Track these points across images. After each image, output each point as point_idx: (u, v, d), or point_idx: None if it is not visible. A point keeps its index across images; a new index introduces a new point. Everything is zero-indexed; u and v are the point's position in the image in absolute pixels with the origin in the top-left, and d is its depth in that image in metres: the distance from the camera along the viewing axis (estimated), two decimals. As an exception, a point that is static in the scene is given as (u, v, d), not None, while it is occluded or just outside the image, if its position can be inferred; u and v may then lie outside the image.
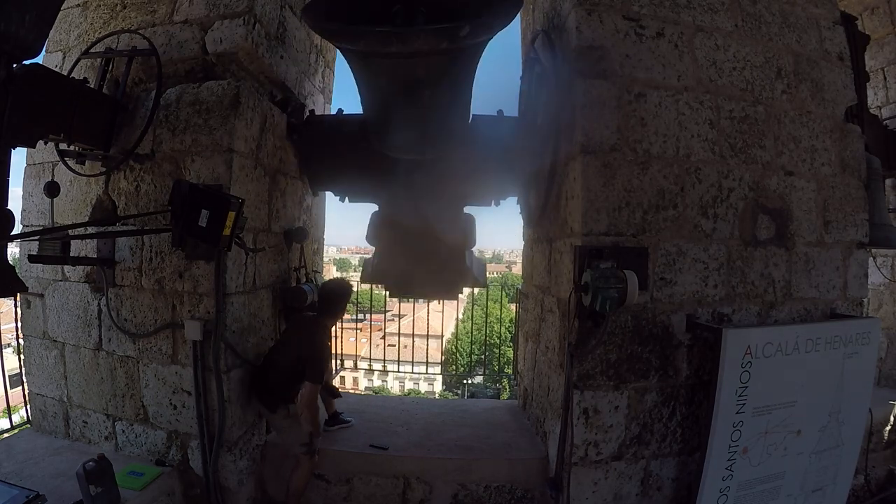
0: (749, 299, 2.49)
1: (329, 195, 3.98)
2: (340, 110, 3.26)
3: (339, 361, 4.81)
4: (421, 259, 3.22)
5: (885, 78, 4.06)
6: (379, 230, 3.24)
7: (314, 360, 2.63)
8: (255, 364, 2.79)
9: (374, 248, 3.42)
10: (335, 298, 2.87)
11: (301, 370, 2.62)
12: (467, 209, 3.32)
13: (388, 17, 2.05)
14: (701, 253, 2.42)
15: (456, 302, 5.19)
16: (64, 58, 2.89)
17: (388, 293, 3.96)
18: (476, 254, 3.63)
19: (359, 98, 2.75)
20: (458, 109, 2.78)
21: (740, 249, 2.47)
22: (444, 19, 1.92)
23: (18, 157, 2.75)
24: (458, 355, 24.07)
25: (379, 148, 2.96)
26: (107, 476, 2.14)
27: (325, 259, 4.75)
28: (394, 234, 3.20)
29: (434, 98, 2.41)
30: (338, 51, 4.07)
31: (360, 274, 3.98)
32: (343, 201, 3.41)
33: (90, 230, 2.58)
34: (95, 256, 2.63)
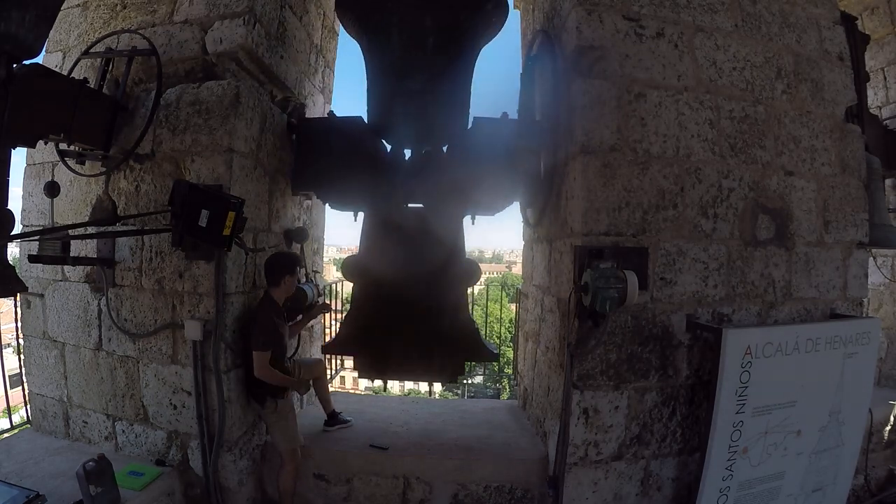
0: (749, 299, 2.49)
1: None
2: (332, 112, 3.19)
3: (339, 361, 4.80)
4: (410, 304, 2.78)
5: (885, 78, 4.06)
6: (362, 261, 2.98)
7: (256, 329, 2.59)
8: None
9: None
10: (276, 268, 2.77)
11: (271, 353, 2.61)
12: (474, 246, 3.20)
13: None
14: (701, 253, 2.42)
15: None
16: (64, 58, 2.89)
17: (357, 372, 3.09)
18: (476, 254, 3.47)
19: (360, 94, 2.83)
20: (458, 93, 2.81)
21: (740, 249, 2.47)
22: None
23: (18, 157, 2.76)
24: (458, 355, 24.01)
25: (378, 140, 2.96)
26: (107, 476, 2.14)
27: (325, 259, 4.72)
28: (381, 264, 2.91)
29: (437, 58, 2.64)
30: (338, 50, 4.08)
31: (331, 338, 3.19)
32: (324, 204, 3.17)
33: (90, 230, 2.58)
34: (95, 256, 2.63)
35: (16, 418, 3.35)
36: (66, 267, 2.76)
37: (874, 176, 2.87)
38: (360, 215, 3.11)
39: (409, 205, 3.03)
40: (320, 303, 3.33)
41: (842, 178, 2.67)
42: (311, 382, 3.00)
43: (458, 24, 2.74)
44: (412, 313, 2.87)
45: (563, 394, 2.36)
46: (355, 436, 3.08)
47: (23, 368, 3.05)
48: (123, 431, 2.73)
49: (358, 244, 3.16)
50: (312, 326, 3.73)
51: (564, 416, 2.36)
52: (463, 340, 2.93)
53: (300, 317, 3.32)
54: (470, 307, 3.31)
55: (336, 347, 3.09)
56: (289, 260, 2.84)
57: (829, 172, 2.65)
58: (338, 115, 3.16)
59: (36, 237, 2.48)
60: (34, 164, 2.93)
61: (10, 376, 3.01)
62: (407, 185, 2.94)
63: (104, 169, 2.66)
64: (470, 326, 3.01)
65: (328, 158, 3.02)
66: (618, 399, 2.37)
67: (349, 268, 3.10)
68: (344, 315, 3.20)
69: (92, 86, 2.50)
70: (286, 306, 2.92)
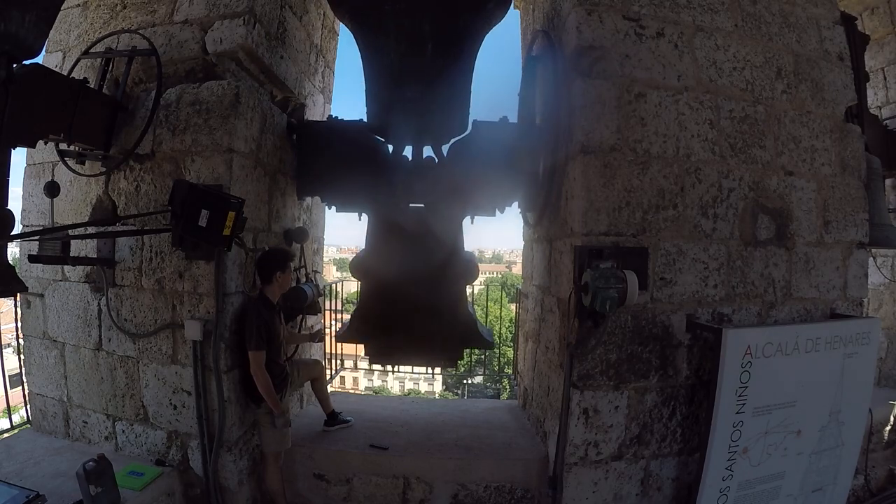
0: (749, 299, 2.49)
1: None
2: (333, 117, 3.20)
3: (339, 361, 4.81)
4: (412, 299, 2.93)
5: (885, 78, 4.06)
6: (366, 260, 3.06)
7: (247, 327, 2.55)
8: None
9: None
10: (267, 266, 2.71)
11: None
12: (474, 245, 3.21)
13: None
14: (701, 253, 2.42)
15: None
16: (64, 58, 2.89)
17: (368, 357, 3.36)
18: (476, 254, 3.51)
19: (360, 94, 2.82)
20: (458, 89, 2.80)
21: (740, 249, 2.47)
22: None
23: (18, 157, 2.75)
24: (458, 355, 24.01)
25: (379, 142, 2.95)
26: (107, 476, 2.14)
27: (325, 259, 4.71)
28: (385, 263, 2.96)
29: (436, 61, 2.62)
30: (338, 50, 4.08)
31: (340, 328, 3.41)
32: (330, 208, 3.22)
33: (90, 230, 2.58)
34: (95, 256, 2.63)
35: (16, 418, 3.35)
36: (66, 267, 2.76)
37: (874, 176, 2.87)
38: (365, 215, 3.17)
39: (411, 204, 3.06)
40: (320, 302, 3.32)
41: (842, 178, 2.67)
42: (288, 415, 2.82)
43: (457, 25, 2.72)
44: (416, 307, 3.03)
45: (563, 394, 2.36)
46: (355, 436, 3.08)
47: (23, 368, 3.05)
48: (123, 431, 2.73)
49: (360, 244, 3.22)
50: (312, 327, 3.74)
51: (564, 416, 2.36)
52: (461, 330, 3.13)
53: (300, 318, 3.32)
54: (470, 307, 3.41)
55: (347, 336, 3.27)
56: (279, 256, 2.75)
57: (829, 172, 2.65)
58: (338, 114, 3.19)
59: (36, 237, 2.48)
60: (34, 164, 2.93)
61: (10, 376, 3.01)
62: (408, 187, 2.98)
63: (104, 169, 2.65)
64: (468, 318, 3.18)
65: (332, 162, 3.09)
66: (618, 399, 2.37)
67: (356, 266, 3.18)
68: (353, 309, 3.38)
69: (92, 86, 2.49)
70: (284, 305, 2.92)
